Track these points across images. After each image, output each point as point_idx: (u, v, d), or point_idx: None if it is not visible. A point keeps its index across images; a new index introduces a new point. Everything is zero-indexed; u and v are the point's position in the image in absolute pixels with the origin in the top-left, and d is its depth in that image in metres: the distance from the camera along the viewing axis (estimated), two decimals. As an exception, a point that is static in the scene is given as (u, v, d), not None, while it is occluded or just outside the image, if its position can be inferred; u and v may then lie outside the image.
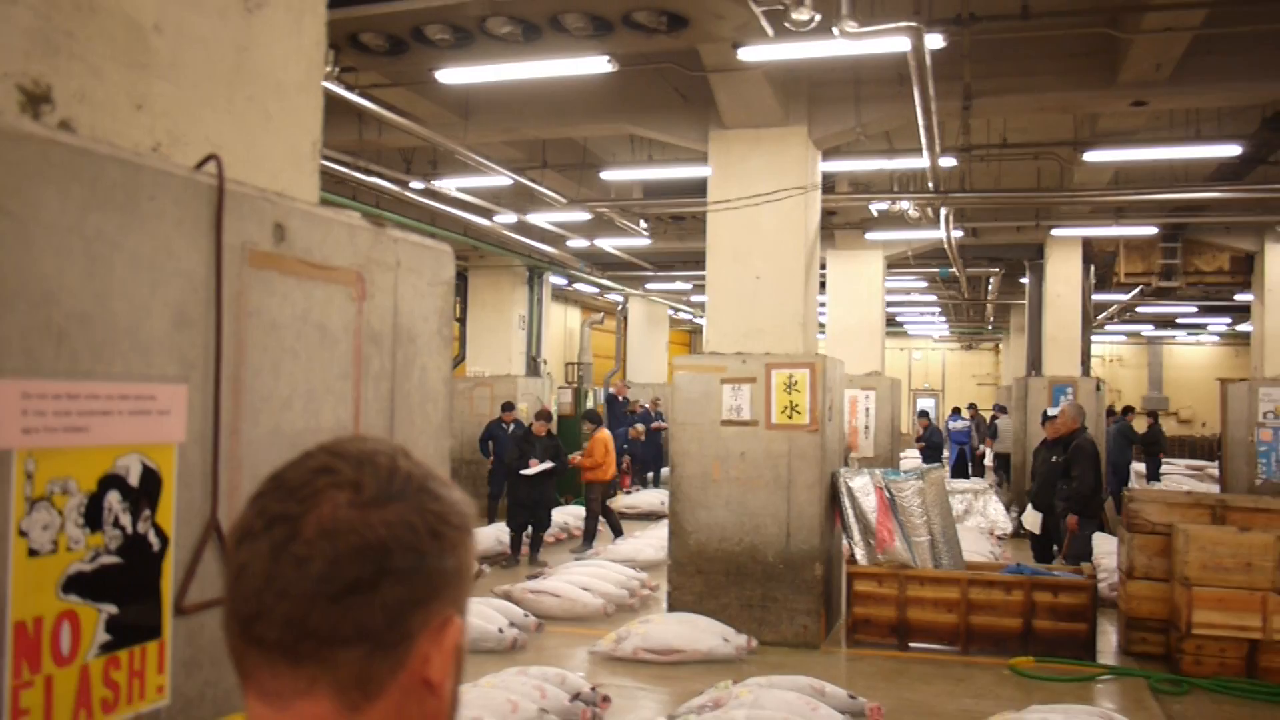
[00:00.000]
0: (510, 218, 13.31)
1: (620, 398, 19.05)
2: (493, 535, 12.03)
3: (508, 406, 14.68)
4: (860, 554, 8.22)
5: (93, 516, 1.43)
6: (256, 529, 0.87)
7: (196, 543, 1.61)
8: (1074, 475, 9.05)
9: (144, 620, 1.52)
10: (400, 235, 2.17)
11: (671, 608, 8.48)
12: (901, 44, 6.28)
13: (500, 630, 7.79)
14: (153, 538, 1.53)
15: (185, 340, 1.58)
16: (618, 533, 12.60)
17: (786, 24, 5.87)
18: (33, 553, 1.35)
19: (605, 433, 13.03)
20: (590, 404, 18.91)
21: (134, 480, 1.50)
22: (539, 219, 13.43)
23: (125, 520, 1.48)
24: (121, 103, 1.77)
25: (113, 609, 1.46)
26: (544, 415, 12.39)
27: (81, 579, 1.42)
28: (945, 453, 21.43)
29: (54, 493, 1.37)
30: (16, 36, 1.57)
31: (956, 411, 23.95)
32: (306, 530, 0.85)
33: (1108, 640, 8.32)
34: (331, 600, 0.84)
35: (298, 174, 2.20)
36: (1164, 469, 21.65)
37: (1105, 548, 10.18)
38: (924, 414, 20.71)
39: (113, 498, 1.46)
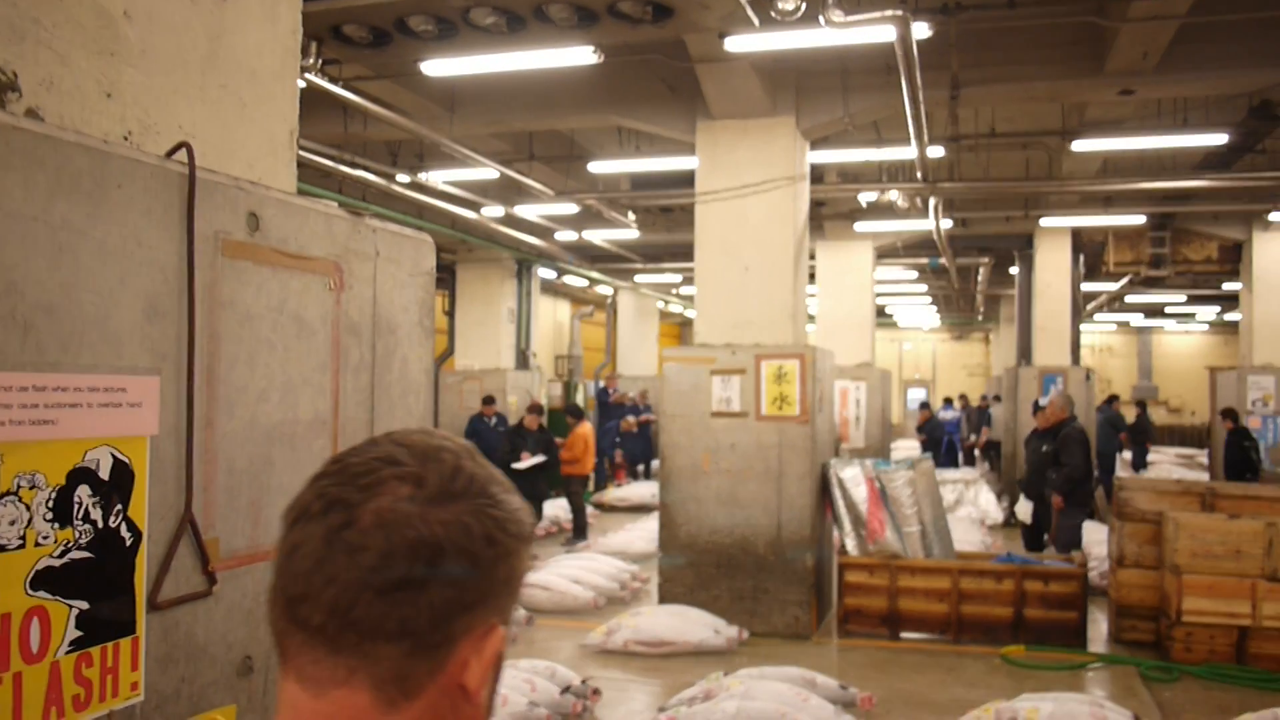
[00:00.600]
0: (498, 210, 13.27)
1: (611, 390, 19.05)
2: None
3: (488, 400, 14.69)
4: (851, 544, 8.22)
5: (62, 511, 1.41)
6: (314, 511, 0.87)
7: (171, 537, 1.59)
8: (1063, 462, 9.09)
9: (117, 616, 1.49)
10: (379, 225, 2.14)
11: (662, 600, 8.47)
12: (888, 33, 6.25)
13: (491, 624, 7.75)
14: (125, 532, 1.50)
15: (157, 331, 1.56)
16: (579, 534, 12.44)
17: (773, 13, 5.85)
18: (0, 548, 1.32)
19: (586, 426, 13.02)
20: (580, 397, 18.90)
21: (104, 474, 1.47)
22: (527, 211, 13.39)
23: (96, 514, 1.46)
24: (91, 90, 1.74)
25: (83, 604, 1.44)
26: (536, 409, 12.37)
27: (51, 574, 1.39)
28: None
29: (21, 487, 1.35)
30: (-20, 22, 1.54)
31: (948, 402, 24.00)
32: (363, 519, 0.85)
33: (1099, 628, 8.34)
34: (379, 593, 0.84)
35: (274, 163, 2.17)
36: (1153, 457, 21.71)
37: (1095, 536, 10.20)
38: (924, 405, 20.56)
39: (83, 491, 1.44)
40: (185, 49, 1.94)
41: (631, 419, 18.31)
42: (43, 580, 1.38)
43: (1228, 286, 18.91)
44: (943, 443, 19.93)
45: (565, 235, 15.37)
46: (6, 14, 1.58)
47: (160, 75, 1.89)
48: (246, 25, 2.10)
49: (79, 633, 1.43)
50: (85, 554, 1.44)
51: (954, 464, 20.21)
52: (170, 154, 1.64)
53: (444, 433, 0.96)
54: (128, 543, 1.51)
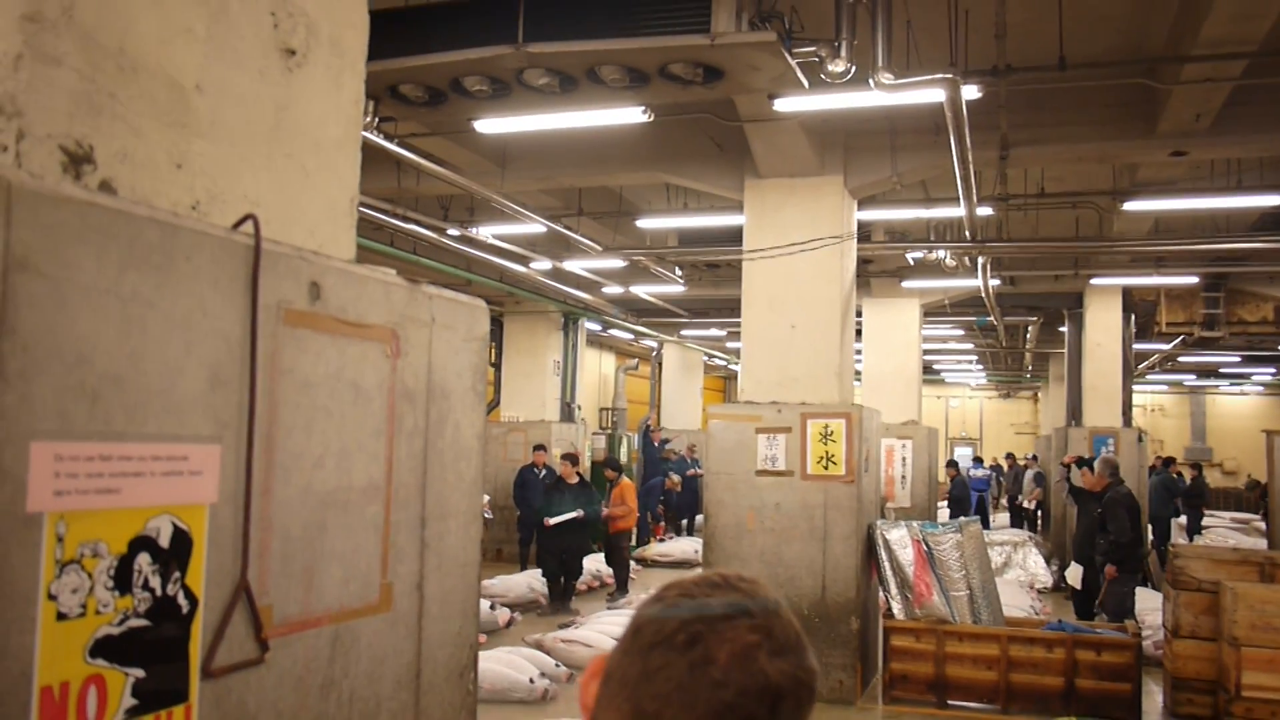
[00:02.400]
0: (546, 264, 13.38)
1: (657, 441, 18.93)
2: (524, 583, 11.95)
3: (539, 448, 14.57)
4: (897, 608, 8.07)
5: (122, 579, 1.42)
6: (677, 643, 0.98)
7: (226, 604, 1.60)
8: (1109, 529, 8.93)
9: (171, 684, 1.50)
10: (435, 292, 2.16)
11: (704, 660, 8.35)
12: (937, 95, 6.27)
13: (531, 680, 7.71)
14: (182, 600, 1.52)
15: (219, 400, 1.58)
16: (623, 589, 12.47)
17: (822, 76, 5.89)
18: (61, 616, 1.34)
19: (627, 481, 12.94)
20: (624, 450, 18.81)
21: (165, 542, 1.49)
22: (574, 266, 13.50)
23: (155, 582, 1.47)
24: (161, 161, 1.79)
25: (140, 672, 1.45)
26: (570, 458, 12.28)
27: (110, 642, 1.40)
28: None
29: (84, 555, 1.37)
30: (61, 99, 1.59)
31: (978, 460, 23.62)
32: (721, 657, 0.97)
33: (1153, 700, 8.10)
34: None
35: (335, 229, 2.21)
36: (1207, 521, 21.16)
37: (1150, 604, 9.95)
38: (952, 464, 19.89)
39: (143, 560, 1.45)
40: (253, 120, 1.99)
41: (675, 478, 18.16)
42: (102, 648, 1.39)
43: (1284, 348, 18.55)
44: (970, 502, 19.47)
45: (612, 289, 15.46)
46: (86, 90, 1.64)
47: (228, 146, 1.93)
48: (311, 96, 2.15)
49: (134, 701, 1.44)
50: (143, 622, 1.45)
51: (985, 525, 19.82)
52: (237, 225, 1.68)
53: (754, 579, 1.08)
54: (184, 610, 1.52)
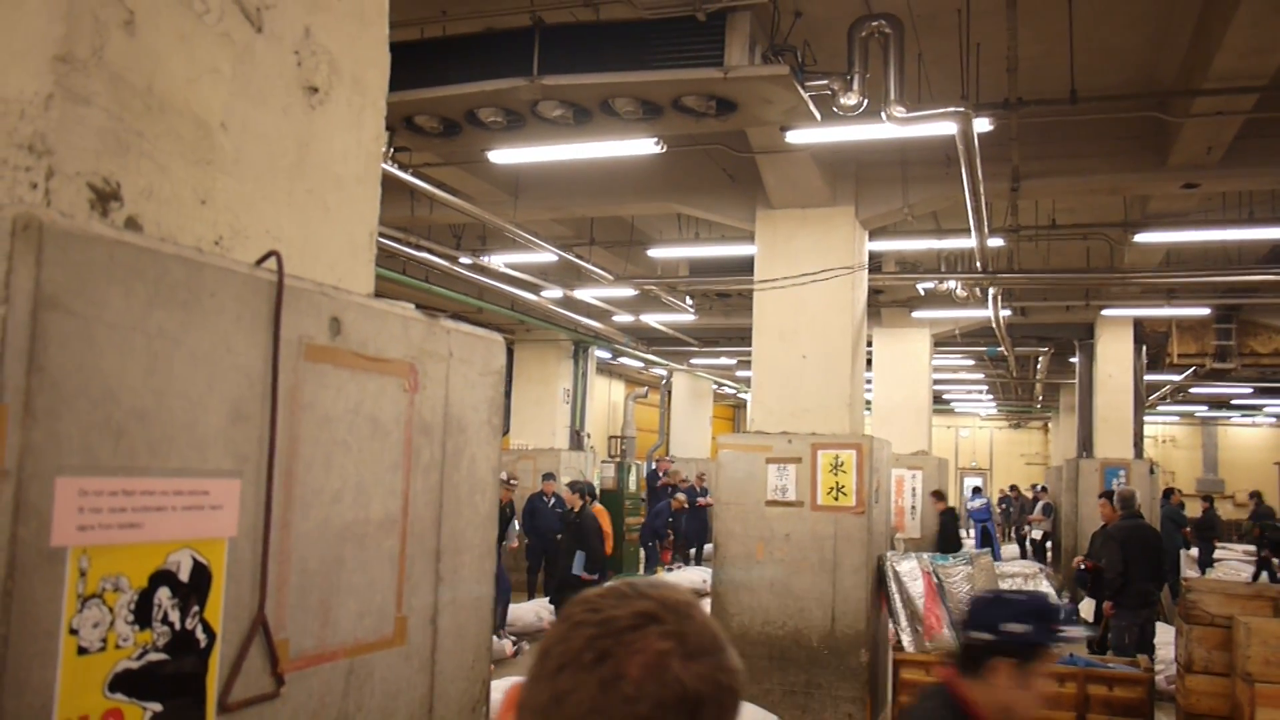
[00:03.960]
0: (557, 293, 13.43)
1: (662, 471, 18.91)
2: (532, 611, 11.92)
3: (548, 477, 14.49)
4: (907, 640, 8.02)
5: (142, 613, 1.43)
6: (585, 661, 0.94)
7: (243, 638, 1.60)
8: (1102, 563, 8.96)
9: (188, 717, 1.50)
10: (453, 326, 2.18)
11: (713, 691, 8.31)
12: (949, 128, 6.30)
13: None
14: (200, 634, 1.52)
15: (240, 435, 1.59)
16: None
17: (834, 108, 5.93)
18: (82, 650, 1.35)
19: (600, 507, 12.47)
20: (633, 478, 18.79)
21: (184, 576, 1.50)
22: (585, 294, 13.55)
23: (174, 616, 1.48)
24: (187, 198, 1.81)
25: (157, 706, 1.45)
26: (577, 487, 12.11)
27: (129, 677, 1.41)
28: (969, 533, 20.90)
29: (106, 590, 1.38)
30: (89, 137, 1.62)
31: (977, 491, 23.52)
32: (632, 671, 0.93)
33: (1166, 736, 8.02)
34: None
35: (354, 264, 2.23)
36: (1219, 554, 20.96)
37: (1163, 638, 9.87)
38: (939, 494, 15.20)
39: (163, 594, 1.46)
40: (275, 156, 2.02)
41: (681, 496, 18.09)
42: (121, 683, 1.40)
43: (1297, 380, 18.48)
44: (953, 537, 18.12)
45: (622, 318, 15.50)
46: (113, 128, 1.66)
47: (251, 182, 1.96)
48: (333, 132, 2.18)
49: (152, 735, 1.44)
50: (162, 656, 1.46)
51: (995, 556, 19.66)
52: (260, 262, 1.70)
53: (665, 584, 1.04)
54: (202, 644, 1.53)
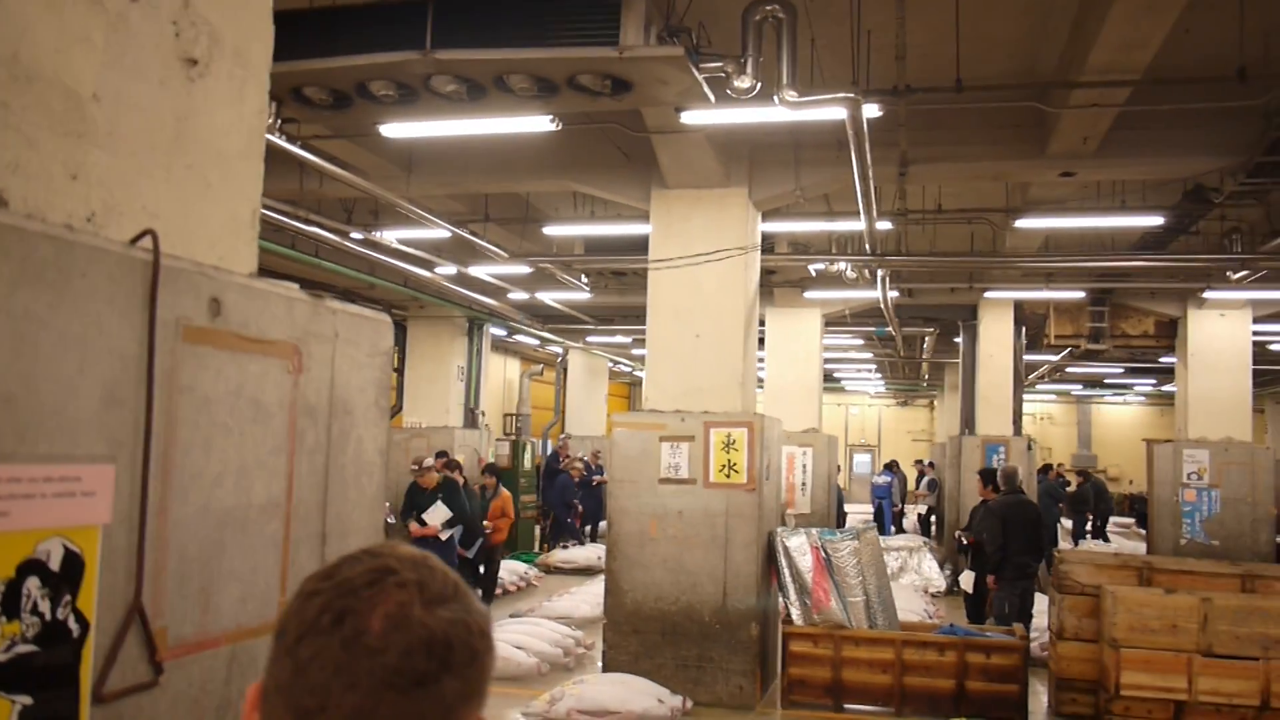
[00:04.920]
0: (451, 269, 13.27)
1: (563, 455, 18.82)
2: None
3: (441, 454, 13.56)
4: (796, 614, 8.22)
5: (10, 604, 1.39)
6: (323, 625, 0.90)
7: (119, 627, 1.57)
8: (983, 539, 9.32)
9: (61, 710, 1.47)
10: (339, 306, 2.15)
11: (607, 667, 8.39)
12: (839, 113, 6.42)
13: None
14: (73, 624, 1.48)
15: (114, 419, 1.55)
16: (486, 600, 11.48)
17: (729, 91, 5.98)
18: (-56, 643, 1.30)
19: (506, 491, 12.48)
20: (528, 456, 18.71)
21: (55, 565, 1.45)
22: (480, 271, 13.41)
23: (44, 607, 1.44)
24: (56, 172, 1.74)
25: (27, 699, 1.41)
26: (452, 464, 11.70)
27: (-5, 669, 1.37)
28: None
29: (-31, 580, 1.33)
30: (-51, 107, 1.55)
31: (887, 468, 24.13)
32: (375, 624, 0.89)
33: (1039, 701, 8.39)
34: (400, 692, 0.88)
35: (236, 242, 2.18)
36: (1090, 527, 21.77)
37: (1040, 608, 10.31)
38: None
39: (32, 584, 1.42)
40: (152, 130, 1.96)
41: (580, 465, 17.92)
42: (-13, 676, 1.35)
43: (1164, 360, 19.39)
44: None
45: (518, 295, 15.40)
46: (-25, 98, 1.59)
47: (126, 156, 1.89)
48: (214, 106, 2.11)
49: (21, 728, 1.40)
50: (31, 648, 1.42)
51: (883, 529, 20.28)
52: (135, 240, 1.65)
53: (395, 544, 1.00)
54: (75, 634, 1.49)
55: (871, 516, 20.73)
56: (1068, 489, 21.72)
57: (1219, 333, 14.61)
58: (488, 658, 0.95)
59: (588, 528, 18.81)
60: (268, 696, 0.92)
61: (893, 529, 21.45)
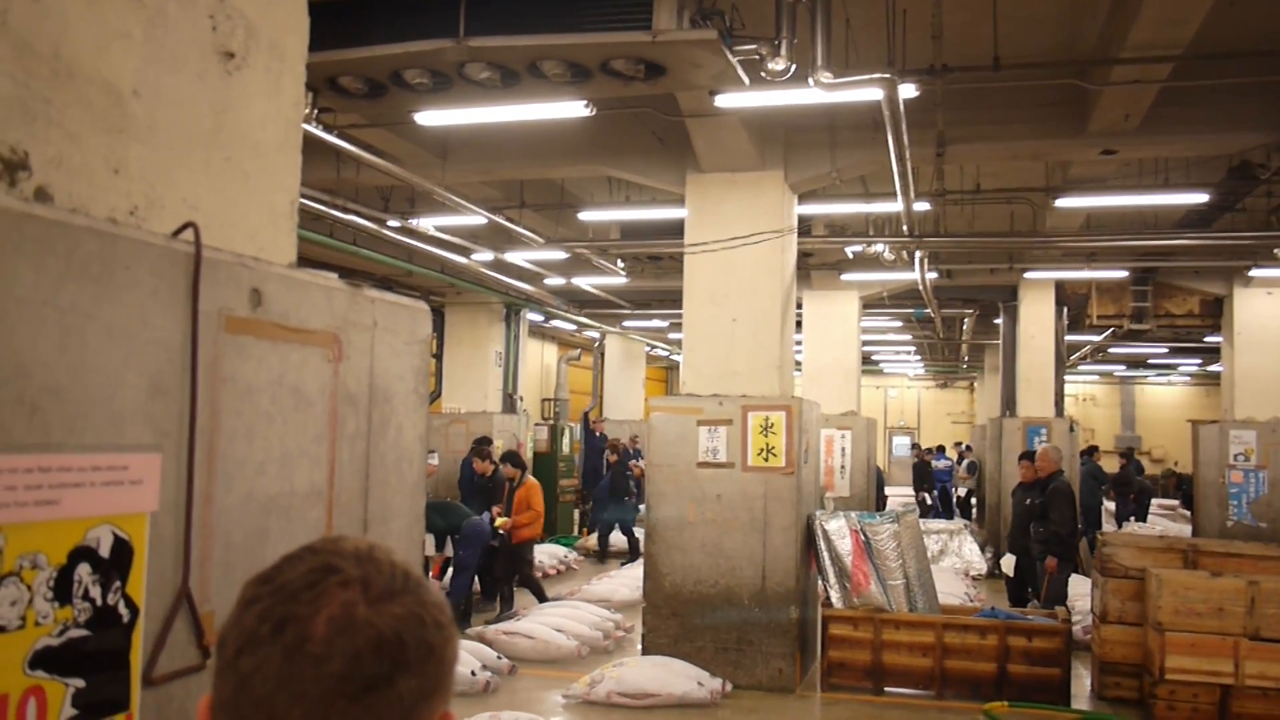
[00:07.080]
0: (487, 256, 13.33)
1: (598, 433, 18.90)
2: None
3: (482, 440, 13.51)
4: (836, 597, 8.21)
5: (62, 590, 1.42)
6: (263, 635, 0.85)
7: (167, 612, 1.60)
8: (1052, 519, 9.11)
9: (112, 693, 1.50)
10: (377, 295, 2.17)
11: (646, 650, 8.43)
12: (875, 94, 6.36)
13: (473, 673, 7.71)
14: (123, 609, 1.52)
15: (159, 409, 1.58)
16: (541, 598, 10.79)
17: (763, 74, 5.94)
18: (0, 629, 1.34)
19: (533, 480, 11.21)
20: (567, 440, 18.68)
21: (105, 552, 1.49)
22: (516, 257, 13.46)
23: (95, 592, 1.47)
24: (98, 167, 1.77)
25: (80, 683, 1.45)
26: (483, 453, 11.63)
27: (49, 653, 1.40)
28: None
29: (23, 567, 1.36)
30: (-5, 105, 1.58)
31: (941, 450, 23.90)
32: (318, 629, 0.84)
33: (1082, 685, 8.33)
34: (351, 700, 0.83)
35: (275, 233, 2.21)
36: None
37: (1079, 590, 10.21)
38: (917, 449, 17.58)
39: (83, 570, 1.45)
40: (191, 124, 1.98)
41: (641, 466, 17.45)
42: (41, 660, 1.39)
43: (1209, 340, 19.09)
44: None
45: (554, 280, 15.44)
46: (20, 95, 1.62)
47: (166, 150, 1.92)
48: (251, 99, 2.14)
49: (74, 711, 1.44)
50: (83, 632, 1.45)
51: (949, 514, 20.17)
52: (176, 234, 1.68)
53: (340, 536, 0.95)
54: (125, 620, 1.52)
55: (926, 501, 20.52)
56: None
57: (1266, 311, 14.35)
58: (447, 650, 0.90)
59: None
60: (214, 713, 0.87)
61: (957, 512, 21.23)
